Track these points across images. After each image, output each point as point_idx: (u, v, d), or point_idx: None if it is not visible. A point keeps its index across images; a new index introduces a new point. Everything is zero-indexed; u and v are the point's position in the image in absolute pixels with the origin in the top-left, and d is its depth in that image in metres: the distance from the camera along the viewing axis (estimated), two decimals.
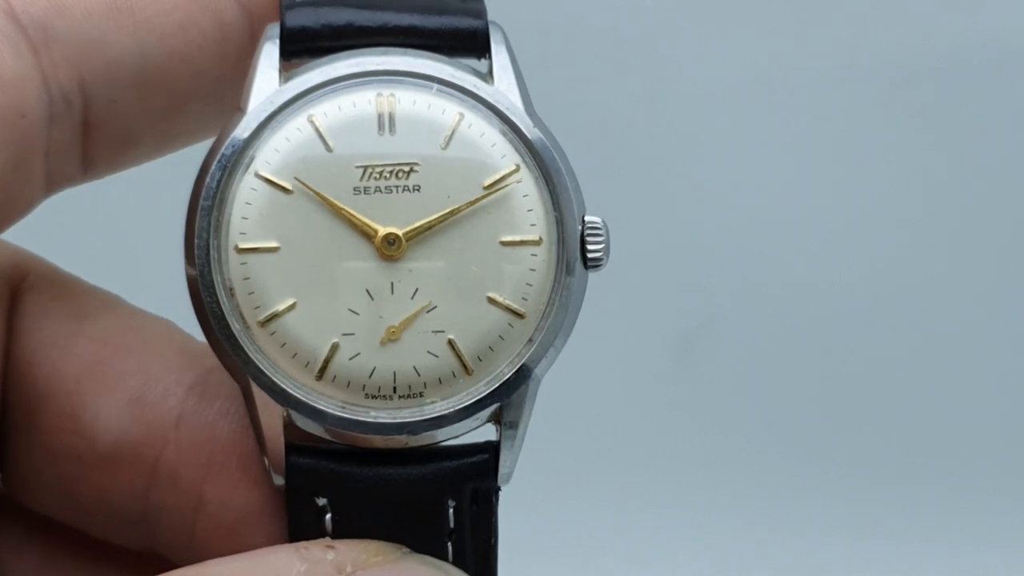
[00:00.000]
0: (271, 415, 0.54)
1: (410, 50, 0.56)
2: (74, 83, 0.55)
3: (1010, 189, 1.32)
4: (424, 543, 0.54)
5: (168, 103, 0.57)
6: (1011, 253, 1.32)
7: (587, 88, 1.25)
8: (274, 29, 0.56)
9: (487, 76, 0.56)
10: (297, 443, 0.55)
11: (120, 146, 0.58)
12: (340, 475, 0.54)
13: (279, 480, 0.55)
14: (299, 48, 0.56)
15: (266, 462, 0.55)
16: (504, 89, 0.56)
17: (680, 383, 1.31)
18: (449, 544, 0.55)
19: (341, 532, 0.54)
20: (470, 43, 0.57)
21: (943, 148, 1.31)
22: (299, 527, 0.55)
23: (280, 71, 0.55)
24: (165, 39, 0.55)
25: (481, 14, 0.57)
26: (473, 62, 0.57)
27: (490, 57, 0.56)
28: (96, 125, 0.56)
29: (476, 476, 0.55)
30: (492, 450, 0.55)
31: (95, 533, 0.60)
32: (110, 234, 1.17)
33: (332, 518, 0.54)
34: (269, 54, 0.55)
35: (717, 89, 1.31)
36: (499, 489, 0.56)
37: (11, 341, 0.58)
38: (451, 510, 0.55)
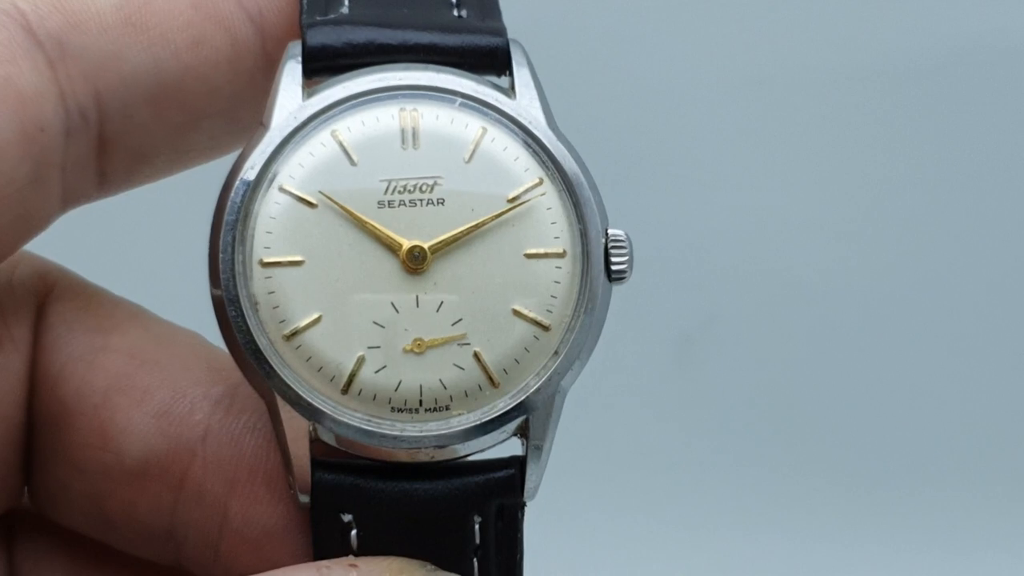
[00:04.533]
0: (297, 431, 0.53)
1: (432, 65, 0.55)
2: (90, 98, 0.54)
3: (1012, 190, 1.31)
4: (450, 560, 0.53)
5: (182, 119, 0.56)
6: (1013, 254, 1.31)
7: (581, 88, 1.25)
8: (296, 47, 0.55)
9: (509, 91, 0.55)
10: (322, 459, 0.53)
11: (135, 162, 0.57)
12: (366, 491, 0.53)
13: (304, 498, 0.53)
14: (321, 66, 0.55)
15: (291, 481, 0.53)
16: (526, 104, 0.55)
17: (680, 383, 1.30)
18: (475, 560, 0.54)
19: (366, 549, 0.53)
20: (491, 61, 0.56)
21: (946, 148, 1.30)
22: (324, 544, 0.53)
23: (303, 87, 0.54)
24: (179, 55, 0.55)
25: (501, 32, 0.56)
26: (494, 78, 0.56)
27: (511, 74, 0.55)
28: (111, 140, 0.55)
29: (502, 492, 0.54)
30: (518, 465, 0.54)
31: (121, 547, 0.59)
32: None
33: (357, 534, 0.53)
34: (292, 71, 0.54)
35: (714, 89, 1.30)
36: (524, 505, 0.54)
37: (37, 354, 0.57)
38: (476, 526, 0.54)
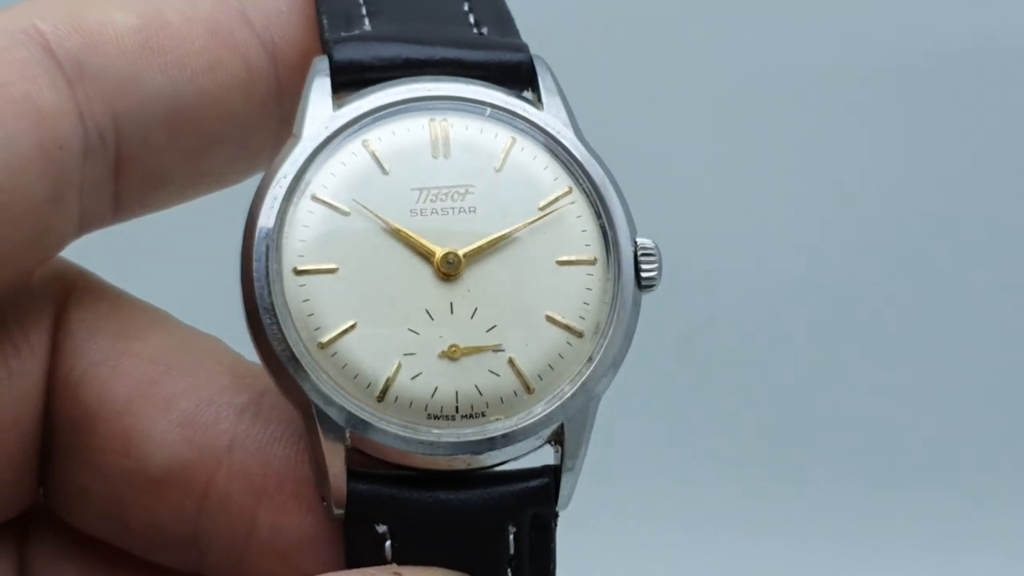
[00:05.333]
0: (333, 441, 0.52)
1: (459, 78, 0.55)
2: (108, 119, 0.54)
3: (1013, 191, 1.32)
4: (485, 570, 0.53)
5: (197, 143, 0.56)
6: (1013, 255, 1.31)
7: (578, 91, 1.25)
8: (323, 63, 0.55)
9: (536, 103, 0.56)
10: (357, 470, 0.53)
11: (150, 186, 0.57)
12: (401, 501, 0.53)
13: (338, 511, 0.53)
14: (349, 79, 0.55)
15: (324, 492, 0.53)
16: (553, 114, 0.55)
17: (681, 384, 1.30)
18: (509, 571, 0.54)
19: (401, 559, 0.53)
20: (514, 75, 0.56)
21: (949, 149, 1.31)
22: (358, 555, 0.53)
23: (332, 100, 0.54)
24: (195, 79, 0.55)
25: (523, 48, 0.57)
26: (517, 93, 0.56)
27: (536, 89, 0.56)
28: (127, 163, 0.55)
29: (537, 501, 0.54)
30: (551, 474, 0.54)
31: (140, 553, 0.58)
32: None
33: (392, 545, 0.53)
34: (321, 85, 0.54)
35: (714, 89, 1.31)
36: (557, 514, 0.54)
37: (57, 359, 0.56)
38: (511, 536, 0.53)
